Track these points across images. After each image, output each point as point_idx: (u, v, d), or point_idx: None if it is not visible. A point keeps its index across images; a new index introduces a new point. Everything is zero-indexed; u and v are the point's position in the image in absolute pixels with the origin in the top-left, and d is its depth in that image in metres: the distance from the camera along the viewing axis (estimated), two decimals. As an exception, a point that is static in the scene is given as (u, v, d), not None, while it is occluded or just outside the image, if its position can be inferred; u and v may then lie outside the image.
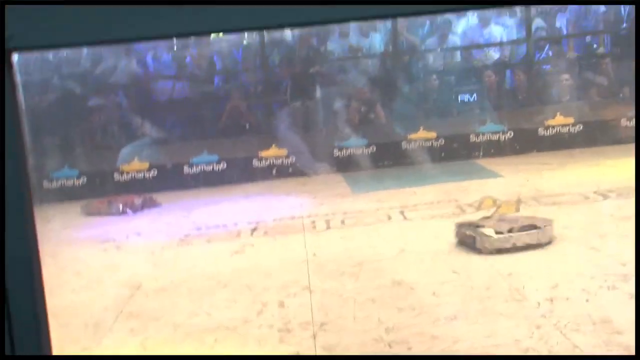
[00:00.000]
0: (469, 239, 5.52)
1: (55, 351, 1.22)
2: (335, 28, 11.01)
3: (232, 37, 11.22)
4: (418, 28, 11.59)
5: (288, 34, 11.03)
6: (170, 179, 10.31)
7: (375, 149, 10.55)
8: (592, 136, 10.46)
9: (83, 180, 10.25)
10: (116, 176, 10.39)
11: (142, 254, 6.42)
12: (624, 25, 11.17)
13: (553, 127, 10.63)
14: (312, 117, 10.82)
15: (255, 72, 11.45)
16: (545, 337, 3.51)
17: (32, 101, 10.02)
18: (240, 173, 10.43)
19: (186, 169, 10.45)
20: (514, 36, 11.72)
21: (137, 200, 8.75)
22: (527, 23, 11.37)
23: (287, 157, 10.54)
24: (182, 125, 10.87)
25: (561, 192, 7.40)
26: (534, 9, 11.05)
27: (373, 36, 11.49)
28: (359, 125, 10.66)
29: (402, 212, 7.11)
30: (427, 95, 11.04)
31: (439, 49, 11.67)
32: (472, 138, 10.64)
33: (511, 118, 10.79)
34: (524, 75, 11.09)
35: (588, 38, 11.99)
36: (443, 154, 10.51)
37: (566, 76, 10.93)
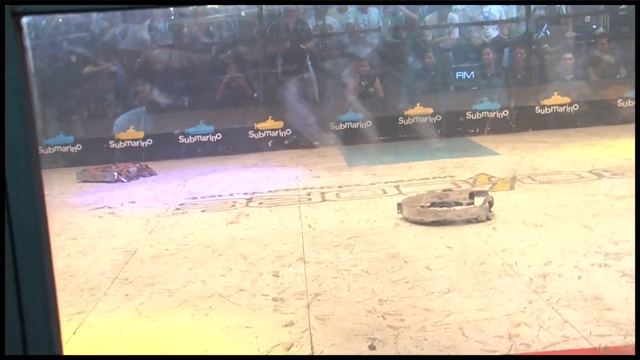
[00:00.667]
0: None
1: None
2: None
3: (230, 8, 11.15)
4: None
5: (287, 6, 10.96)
6: (166, 149, 10.32)
7: (371, 123, 10.56)
8: (589, 116, 10.50)
9: (78, 147, 10.26)
10: (112, 144, 10.39)
11: (137, 221, 6.43)
12: (623, 6, 11.15)
13: (550, 106, 10.65)
14: (309, 90, 10.80)
15: (252, 44, 11.39)
16: (536, 312, 3.55)
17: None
18: (236, 144, 10.44)
19: (181, 139, 10.44)
20: (514, 14, 11.69)
21: (132, 168, 8.77)
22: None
23: (283, 129, 10.54)
24: (178, 95, 10.83)
25: (556, 170, 7.44)
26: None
27: (372, 11, 11.43)
28: (357, 100, 10.65)
29: (397, 187, 7.13)
30: (424, 71, 11.02)
31: (438, 26, 11.64)
32: (469, 115, 10.66)
33: (508, 96, 10.81)
34: (522, 53, 11.07)
35: (587, 18, 11.97)
36: (439, 130, 10.54)
37: (565, 56, 10.92)
